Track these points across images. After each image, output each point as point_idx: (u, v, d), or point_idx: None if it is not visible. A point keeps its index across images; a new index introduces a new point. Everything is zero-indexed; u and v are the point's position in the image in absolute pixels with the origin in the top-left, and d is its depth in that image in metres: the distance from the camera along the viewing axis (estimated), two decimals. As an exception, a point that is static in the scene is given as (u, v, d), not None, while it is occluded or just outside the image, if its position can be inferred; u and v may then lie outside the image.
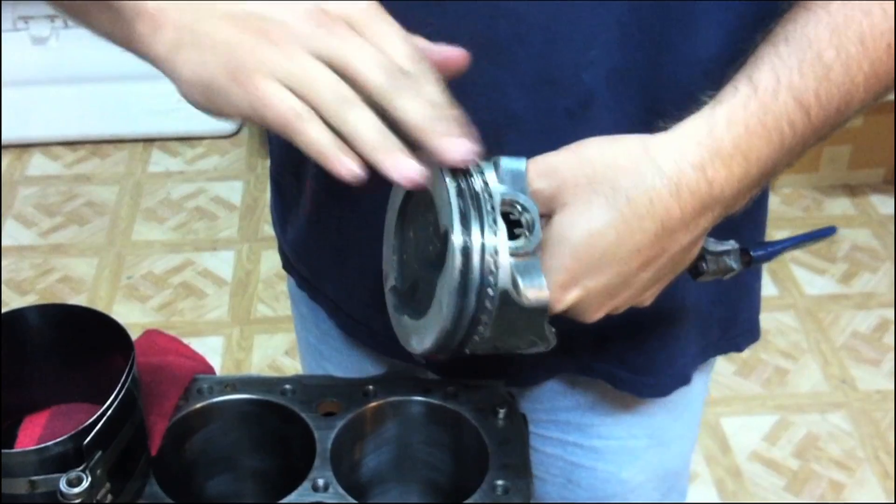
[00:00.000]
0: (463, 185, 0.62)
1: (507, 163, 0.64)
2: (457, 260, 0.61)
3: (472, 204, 0.61)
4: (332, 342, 0.99)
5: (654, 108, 0.74)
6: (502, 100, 0.74)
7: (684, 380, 0.93)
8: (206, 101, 0.62)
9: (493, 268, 0.61)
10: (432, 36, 0.71)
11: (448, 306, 0.62)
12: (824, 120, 0.67)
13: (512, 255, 0.61)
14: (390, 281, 0.72)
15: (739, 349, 0.96)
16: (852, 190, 2.73)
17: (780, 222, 2.57)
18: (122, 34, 0.66)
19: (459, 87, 0.67)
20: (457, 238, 0.61)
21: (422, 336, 0.66)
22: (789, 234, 0.79)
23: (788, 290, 2.44)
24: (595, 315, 0.68)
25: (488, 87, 0.74)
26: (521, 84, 0.74)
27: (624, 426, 0.96)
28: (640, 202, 0.64)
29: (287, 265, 1.01)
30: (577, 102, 0.74)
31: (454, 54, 0.64)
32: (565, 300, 0.65)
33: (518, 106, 0.74)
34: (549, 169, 0.65)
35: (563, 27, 0.72)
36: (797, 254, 2.51)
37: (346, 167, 0.59)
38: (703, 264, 0.72)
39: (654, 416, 0.96)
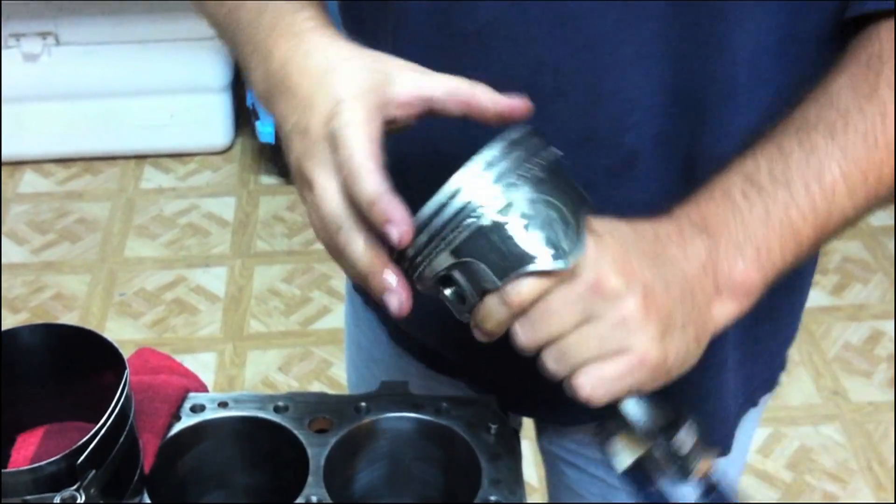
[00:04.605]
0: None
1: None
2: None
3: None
4: (383, 347, 1.01)
5: (693, 174, 0.76)
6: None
7: (724, 450, 0.93)
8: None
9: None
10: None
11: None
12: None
13: None
14: None
15: (755, 403, 0.97)
16: (843, 202, 2.74)
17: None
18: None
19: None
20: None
21: None
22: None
23: (780, 302, 2.44)
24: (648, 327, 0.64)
25: None
26: (563, 139, 0.74)
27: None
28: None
29: None
30: (618, 162, 0.75)
31: (517, 105, 0.66)
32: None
33: None
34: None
35: (606, 86, 0.73)
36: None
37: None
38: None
39: None
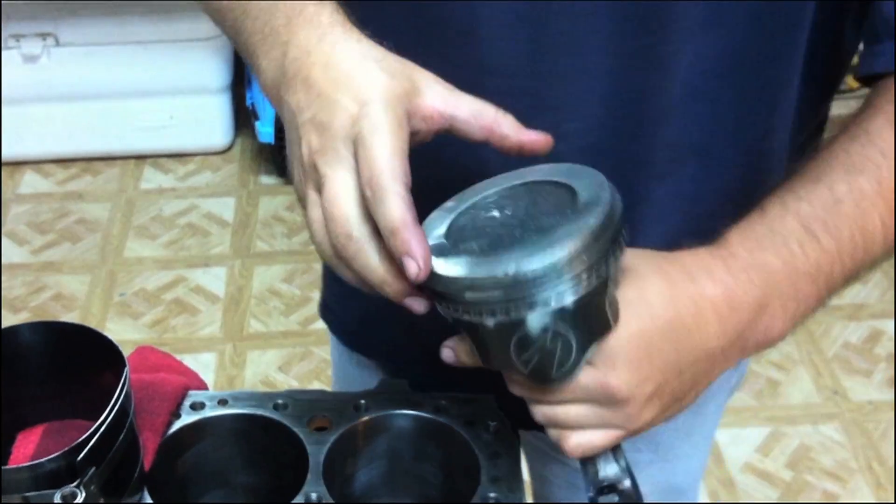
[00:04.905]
0: None
1: None
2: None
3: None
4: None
5: (625, 188, 0.76)
6: (477, 151, 0.72)
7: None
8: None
9: None
10: None
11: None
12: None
13: None
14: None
15: None
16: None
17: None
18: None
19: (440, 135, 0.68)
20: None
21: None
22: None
23: (779, 301, 2.44)
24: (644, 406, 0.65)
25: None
26: None
27: (628, 438, 0.97)
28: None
29: None
30: None
31: (539, 139, 0.66)
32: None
33: (492, 158, 0.71)
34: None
35: (547, 94, 0.74)
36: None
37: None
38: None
39: (660, 433, 0.94)
